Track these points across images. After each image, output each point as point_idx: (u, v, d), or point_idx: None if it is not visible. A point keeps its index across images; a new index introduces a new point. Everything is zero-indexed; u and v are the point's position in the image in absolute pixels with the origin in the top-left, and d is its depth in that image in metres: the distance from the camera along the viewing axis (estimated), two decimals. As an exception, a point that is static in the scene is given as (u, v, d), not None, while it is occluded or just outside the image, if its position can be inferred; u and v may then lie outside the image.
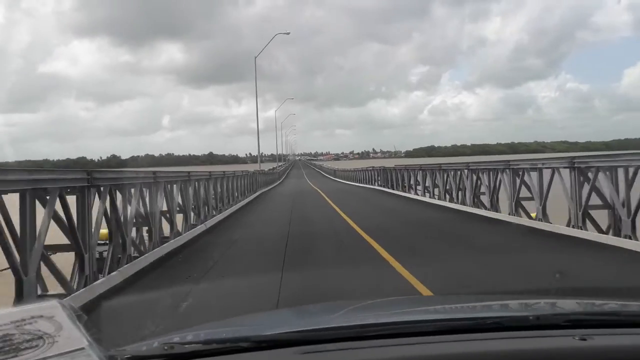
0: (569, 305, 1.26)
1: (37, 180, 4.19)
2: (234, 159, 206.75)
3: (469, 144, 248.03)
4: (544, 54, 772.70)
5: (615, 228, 7.09)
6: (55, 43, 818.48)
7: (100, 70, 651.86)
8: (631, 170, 6.76)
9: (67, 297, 4.20)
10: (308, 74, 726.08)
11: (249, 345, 1.00)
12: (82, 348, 0.77)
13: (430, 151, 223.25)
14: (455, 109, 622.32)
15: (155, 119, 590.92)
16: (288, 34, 31.60)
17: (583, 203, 7.57)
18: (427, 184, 16.32)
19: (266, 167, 44.64)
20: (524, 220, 9.07)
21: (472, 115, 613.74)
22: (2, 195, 3.71)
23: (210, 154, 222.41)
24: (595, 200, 7.54)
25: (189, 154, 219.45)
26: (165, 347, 0.97)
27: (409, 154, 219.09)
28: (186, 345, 1.00)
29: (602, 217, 7.47)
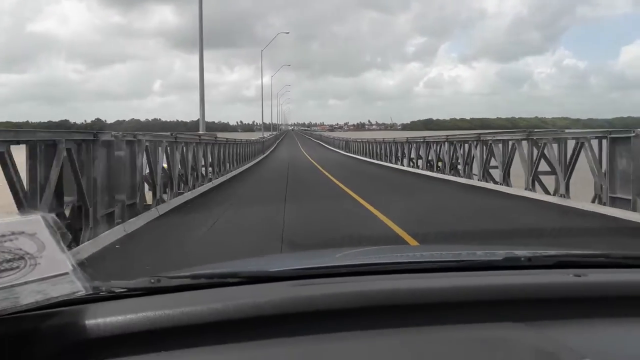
0: (559, 250, 1.31)
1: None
2: (224, 127, 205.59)
3: (468, 118, 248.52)
4: (542, 28, 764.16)
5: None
6: (45, 1, 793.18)
7: (90, 31, 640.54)
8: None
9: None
10: (303, 41, 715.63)
11: (237, 281, 1.02)
12: (66, 273, 0.75)
13: (428, 124, 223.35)
14: (452, 82, 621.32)
15: (147, 83, 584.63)
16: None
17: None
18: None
19: (255, 136, 37.05)
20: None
21: (468, 89, 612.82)
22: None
23: (199, 120, 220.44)
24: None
25: (177, 120, 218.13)
26: (152, 281, 0.98)
27: (406, 127, 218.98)
28: (173, 280, 1.01)
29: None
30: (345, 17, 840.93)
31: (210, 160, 12.79)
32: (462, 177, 12.98)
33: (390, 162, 21.22)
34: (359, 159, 27.89)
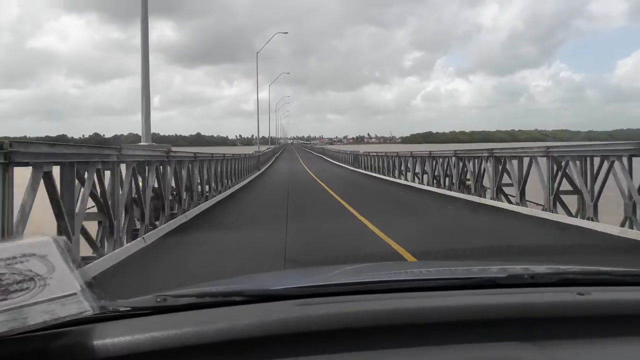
0: (561, 267, 1.30)
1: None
2: (223, 141, 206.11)
3: (468, 131, 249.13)
4: (538, 42, 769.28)
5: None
6: (45, 18, 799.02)
7: (90, 47, 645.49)
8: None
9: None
10: (301, 56, 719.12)
11: (242, 299, 1.03)
12: (74, 294, 0.76)
13: (428, 137, 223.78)
14: (449, 95, 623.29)
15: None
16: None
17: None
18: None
19: (253, 150, 32.22)
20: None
21: (465, 103, 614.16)
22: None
23: (198, 134, 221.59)
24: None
25: (175, 134, 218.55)
26: (158, 300, 0.99)
27: (405, 140, 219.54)
28: (179, 298, 1.01)
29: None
30: (343, 32, 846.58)
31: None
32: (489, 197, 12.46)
33: (418, 182, 16.46)
34: (376, 177, 21.47)
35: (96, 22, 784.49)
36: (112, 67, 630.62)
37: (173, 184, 8.87)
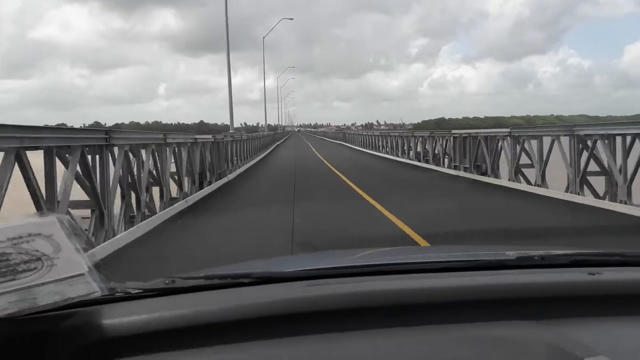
0: (573, 250, 1.27)
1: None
2: (226, 128, 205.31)
3: (482, 117, 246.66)
4: (544, 28, 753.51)
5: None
6: (46, 7, 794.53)
7: (93, 36, 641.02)
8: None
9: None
10: (305, 44, 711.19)
11: (251, 281, 1.04)
12: (82, 274, 0.77)
13: (440, 123, 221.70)
14: (456, 82, 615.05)
15: (151, 87, 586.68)
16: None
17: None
18: None
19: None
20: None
21: (473, 89, 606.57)
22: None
23: (201, 122, 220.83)
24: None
25: (178, 122, 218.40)
26: (167, 282, 1.00)
27: (416, 127, 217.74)
28: (188, 280, 1.03)
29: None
30: (347, 19, 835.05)
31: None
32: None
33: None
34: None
35: (98, 10, 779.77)
36: (116, 56, 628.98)
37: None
